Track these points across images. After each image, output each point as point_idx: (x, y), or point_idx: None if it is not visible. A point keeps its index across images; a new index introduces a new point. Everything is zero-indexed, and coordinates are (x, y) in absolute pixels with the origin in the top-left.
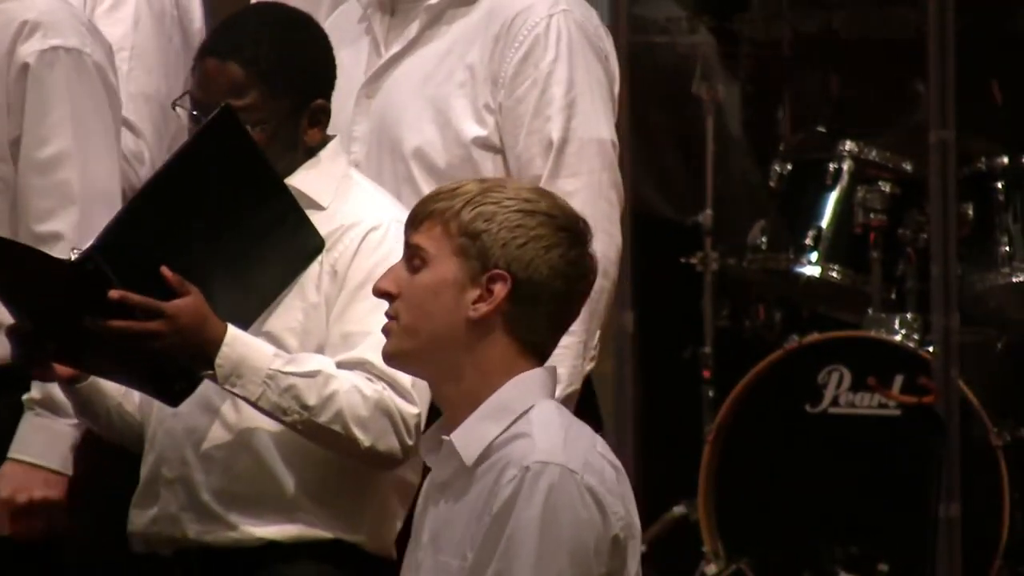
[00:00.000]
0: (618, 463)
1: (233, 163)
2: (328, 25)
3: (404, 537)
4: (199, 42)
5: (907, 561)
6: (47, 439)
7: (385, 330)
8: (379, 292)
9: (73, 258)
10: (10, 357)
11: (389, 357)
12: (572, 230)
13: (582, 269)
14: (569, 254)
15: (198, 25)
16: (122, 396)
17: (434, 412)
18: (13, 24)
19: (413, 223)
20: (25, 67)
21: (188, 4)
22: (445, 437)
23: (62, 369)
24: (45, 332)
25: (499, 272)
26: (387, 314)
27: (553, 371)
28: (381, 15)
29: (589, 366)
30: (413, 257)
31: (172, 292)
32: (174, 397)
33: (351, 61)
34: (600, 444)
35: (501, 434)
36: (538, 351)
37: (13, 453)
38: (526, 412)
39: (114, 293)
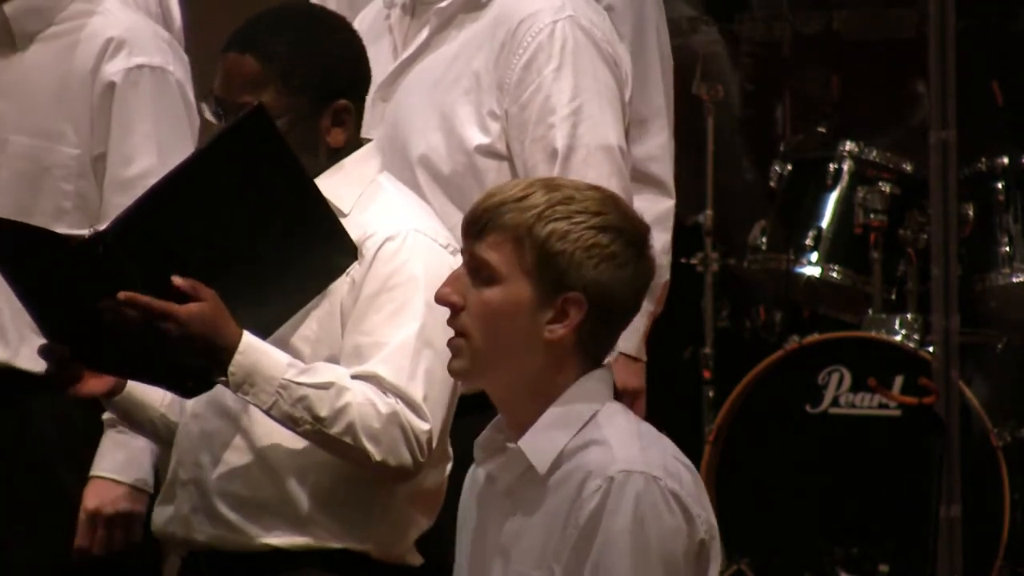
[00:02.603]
0: (691, 464)
1: (264, 165)
2: (355, 24)
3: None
4: (179, 42)
5: (908, 562)
6: (127, 456)
7: (453, 347)
8: (442, 300)
9: (87, 235)
10: (44, 373)
11: (458, 374)
12: (640, 240)
13: (647, 278)
14: (640, 267)
15: (178, 25)
16: (165, 407)
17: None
18: (98, 40)
19: (476, 233)
20: (111, 85)
21: (168, 3)
22: (511, 445)
23: (96, 384)
24: (61, 328)
25: (575, 295)
26: (452, 326)
27: (610, 367)
28: (401, 15)
29: None
30: (480, 270)
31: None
32: (188, 391)
33: (371, 62)
34: (671, 447)
35: (570, 441)
36: (599, 357)
37: (95, 471)
38: (593, 417)
39: (122, 295)
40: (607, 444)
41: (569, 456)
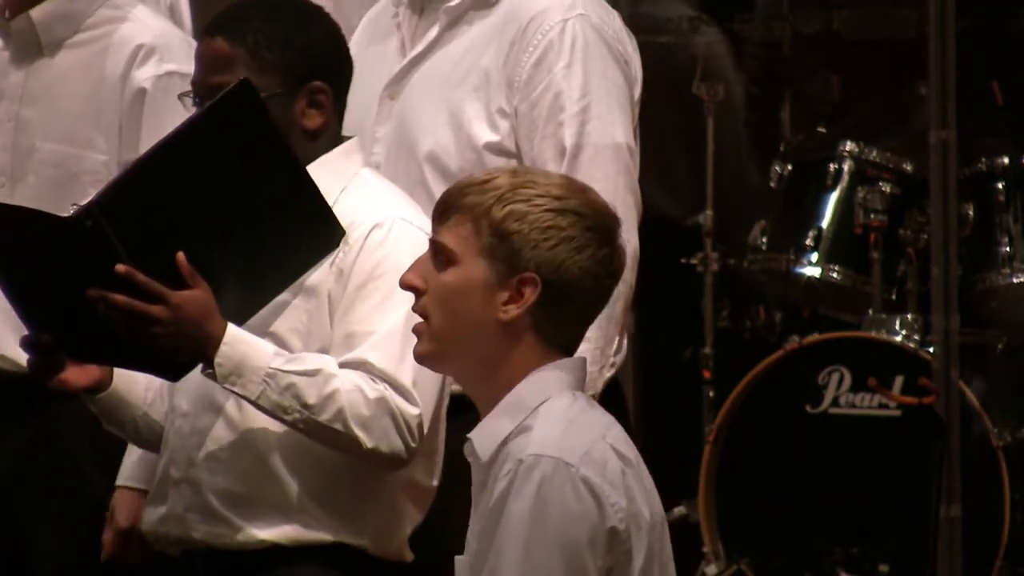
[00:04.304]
0: (631, 455)
1: (250, 140)
2: (363, 22)
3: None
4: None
5: (908, 562)
6: (152, 465)
7: (416, 331)
8: (405, 285)
9: (72, 211)
10: (26, 367)
11: (420, 358)
12: (602, 228)
13: (611, 267)
14: (599, 254)
15: (188, 25)
16: (147, 406)
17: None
18: (128, 47)
19: (440, 216)
20: (141, 92)
21: (177, 4)
22: (468, 436)
23: (78, 377)
24: (45, 316)
25: (530, 275)
26: (416, 311)
27: (582, 361)
28: (410, 14)
29: (609, 372)
30: (439, 253)
31: (179, 276)
32: (175, 371)
33: (378, 60)
34: (612, 435)
35: (514, 430)
36: (564, 346)
37: (120, 481)
38: (540, 406)
39: (121, 267)
40: (531, 430)
41: (508, 444)
